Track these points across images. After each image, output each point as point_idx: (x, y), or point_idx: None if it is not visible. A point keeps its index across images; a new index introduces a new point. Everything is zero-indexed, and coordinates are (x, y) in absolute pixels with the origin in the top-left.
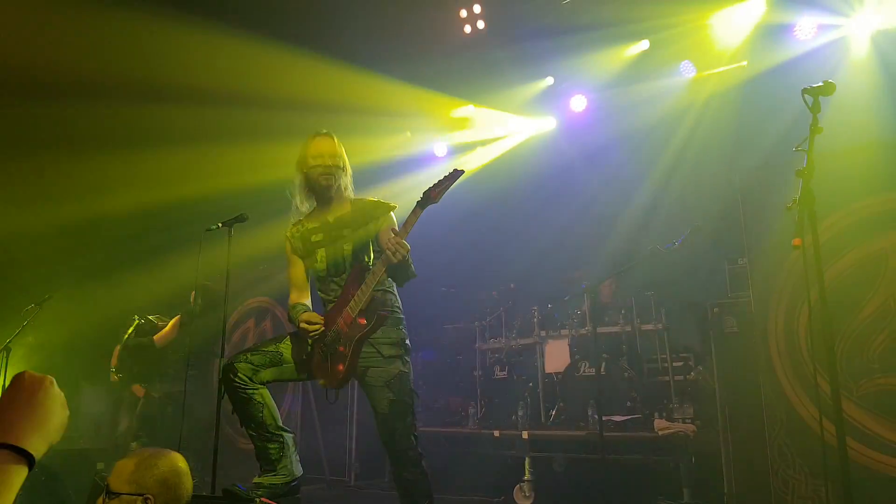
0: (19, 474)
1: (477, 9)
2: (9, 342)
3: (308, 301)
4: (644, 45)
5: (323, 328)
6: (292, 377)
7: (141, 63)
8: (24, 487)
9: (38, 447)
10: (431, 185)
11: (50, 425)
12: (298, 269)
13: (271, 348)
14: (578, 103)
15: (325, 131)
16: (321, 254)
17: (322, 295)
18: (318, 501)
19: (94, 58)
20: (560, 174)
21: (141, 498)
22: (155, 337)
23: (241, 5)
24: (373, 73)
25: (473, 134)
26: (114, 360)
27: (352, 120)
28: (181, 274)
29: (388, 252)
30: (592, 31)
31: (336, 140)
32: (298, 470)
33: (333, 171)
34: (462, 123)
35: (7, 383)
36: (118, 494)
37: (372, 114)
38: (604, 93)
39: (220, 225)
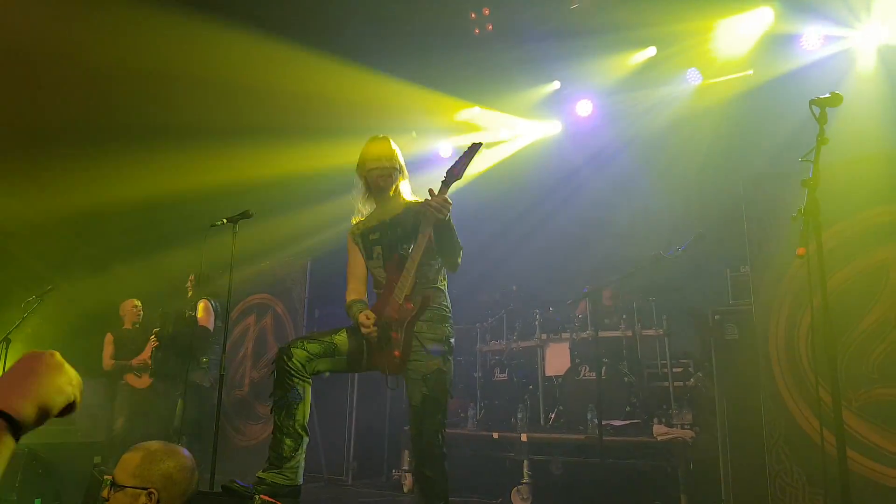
0: (7, 442)
1: (486, 11)
2: (8, 334)
3: (364, 295)
4: (651, 51)
5: (376, 330)
6: (344, 369)
7: (146, 54)
8: (20, 481)
9: (20, 408)
10: (454, 163)
11: (39, 389)
12: (358, 262)
13: (327, 339)
14: (584, 108)
15: (381, 135)
16: (378, 251)
17: (377, 291)
18: (315, 500)
19: (101, 48)
20: (564, 178)
21: (145, 492)
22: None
23: (250, 3)
24: (379, 73)
25: (479, 136)
26: (147, 355)
27: (357, 119)
28: (177, 266)
29: (431, 211)
30: (600, 37)
31: (391, 142)
32: (300, 479)
33: (390, 171)
34: (468, 125)
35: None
36: (123, 487)
37: (377, 113)
38: (610, 98)
39: (224, 221)
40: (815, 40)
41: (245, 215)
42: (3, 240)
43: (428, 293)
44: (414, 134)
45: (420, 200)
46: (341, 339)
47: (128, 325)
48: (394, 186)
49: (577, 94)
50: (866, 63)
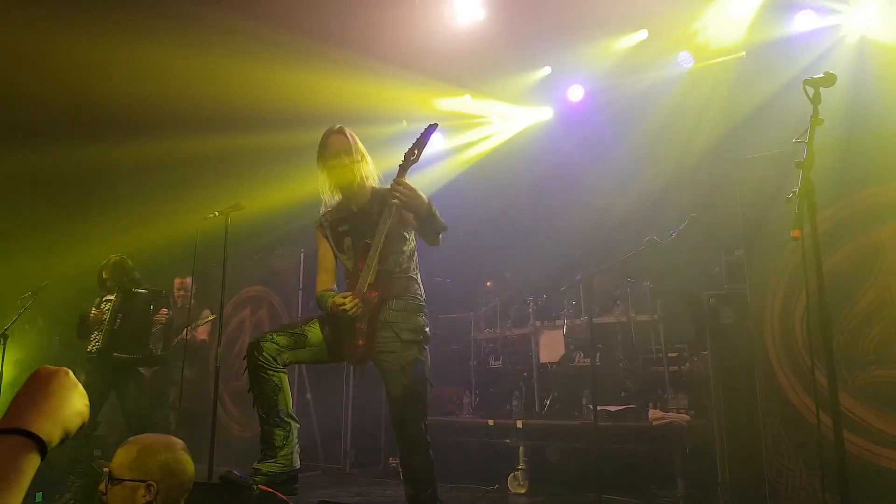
0: (33, 460)
1: None
2: (6, 329)
3: (333, 285)
4: (642, 34)
5: (359, 301)
6: (315, 359)
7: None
8: None
9: (50, 432)
10: (410, 147)
11: (63, 412)
12: (327, 253)
13: (297, 330)
14: (576, 93)
15: (337, 127)
16: (347, 243)
17: (347, 281)
18: (312, 488)
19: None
20: (557, 164)
21: (144, 484)
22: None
23: None
24: (368, 61)
25: (470, 124)
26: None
27: (347, 108)
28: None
29: (393, 200)
30: (590, 21)
31: (349, 134)
32: (297, 462)
33: (350, 166)
34: (459, 113)
35: (4, 370)
36: (121, 481)
37: (367, 102)
38: (601, 83)
39: (216, 213)
40: (807, 20)
41: (236, 207)
42: None
43: (391, 281)
44: (405, 122)
45: (385, 188)
46: (310, 329)
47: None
48: (358, 178)
49: (569, 80)
50: (859, 41)
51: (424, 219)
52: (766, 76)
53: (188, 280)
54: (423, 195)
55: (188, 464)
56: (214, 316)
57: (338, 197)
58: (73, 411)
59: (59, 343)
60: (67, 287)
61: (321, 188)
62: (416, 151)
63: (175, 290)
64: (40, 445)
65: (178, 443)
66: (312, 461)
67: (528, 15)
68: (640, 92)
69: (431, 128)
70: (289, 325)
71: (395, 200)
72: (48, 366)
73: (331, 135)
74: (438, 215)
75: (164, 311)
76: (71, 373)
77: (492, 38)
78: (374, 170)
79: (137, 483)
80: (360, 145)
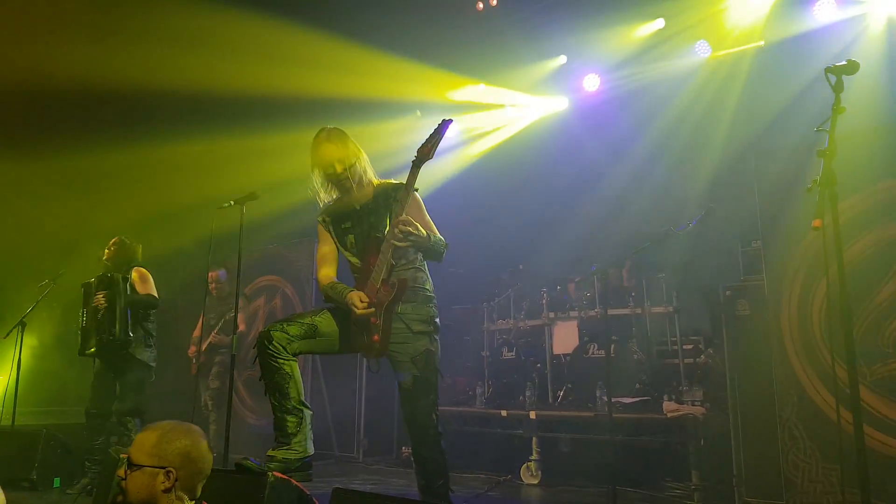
0: None
1: None
2: (24, 317)
3: (335, 278)
4: (659, 23)
5: (372, 311)
6: (326, 350)
7: None
8: (39, 461)
9: None
10: (423, 142)
11: None
12: (330, 247)
13: (307, 320)
14: (591, 83)
15: (328, 129)
16: (351, 240)
17: (355, 275)
18: (326, 477)
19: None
20: (572, 154)
21: (163, 471)
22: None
23: None
24: (382, 52)
25: (485, 114)
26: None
27: (361, 98)
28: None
29: (394, 240)
30: (606, 9)
31: (341, 137)
32: (311, 448)
33: (348, 172)
34: (473, 103)
35: (22, 357)
36: (140, 467)
37: (381, 92)
38: (617, 72)
39: (232, 203)
40: (827, 8)
41: (251, 196)
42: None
43: (406, 276)
44: (418, 113)
45: (390, 183)
46: (321, 320)
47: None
48: (355, 180)
49: (584, 69)
50: (880, 30)
51: (424, 250)
52: (785, 66)
53: (220, 272)
54: (423, 231)
55: (207, 451)
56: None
57: (336, 193)
58: None
59: (76, 331)
60: (84, 275)
61: (316, 187)
62: (430, 147)
63: (210, 283)
64: None
65: (197, 430)
66: (326, 449)
67: (543, 2)
68: (657, 81)
69: (446, 123)
70: (300, 314)
71: (397, 242)
72: None
73: (321, 143)
74: (437, 241)
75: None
76: None
77: (507, 26)
78: (369, 167)
79: (157, 469)
80: (352, 147)
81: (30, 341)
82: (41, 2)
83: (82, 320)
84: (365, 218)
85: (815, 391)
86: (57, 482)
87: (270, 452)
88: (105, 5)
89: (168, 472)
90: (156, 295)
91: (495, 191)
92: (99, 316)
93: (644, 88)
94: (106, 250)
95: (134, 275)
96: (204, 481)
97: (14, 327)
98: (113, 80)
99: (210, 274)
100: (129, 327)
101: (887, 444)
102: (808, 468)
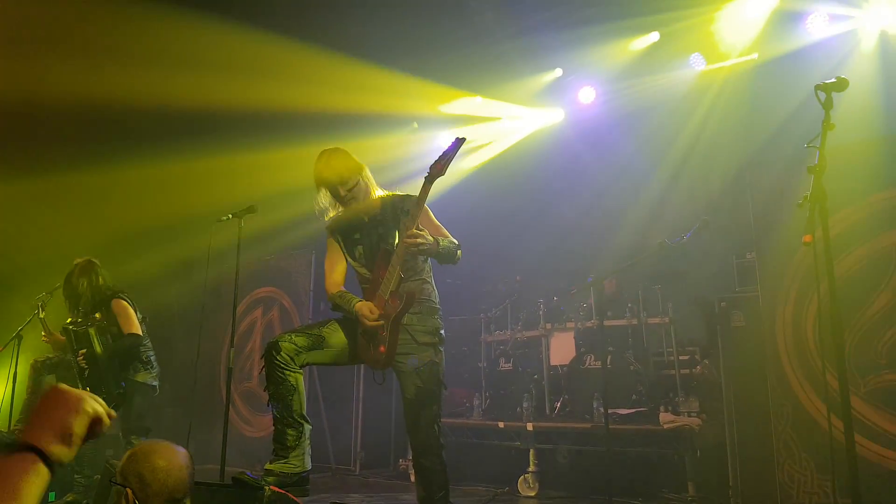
0: (41, 475)
1: None
2: (20, 330)
3: (343, 288)
4: (654, 37)
5: (381, 323)
6: (333, 361)
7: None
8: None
9: (57, 448)
10: (436, 159)
11: (69, 422)
12: (339, 257)
13: (315, 331)
14: (587, 95)
15: (329, 150)
16: (360, 251)
17: (363, 286)
18: (323, 490)
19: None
20: (568, 167)
21: (124, 490)
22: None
23: None
24: (378, 65)
25: (481, 126)
26: None
27: (358, 111)
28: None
29: (405, 248)
30: (602, 23)
31: (342, 158)
32: (308, 463)
33: (352, 192)
34: (470, 116)
35: (17, 371)
36: (114, 483)
37: (378, 105)
38: (613, 85)
39: (230, 216)
40: (820, 23)
41: (250, 210)
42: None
43: (413, 288)
44: (415, 125)
45: (397, 194)
46: (329, 331)
47: None
48: (361, 195)
49: (580, 82)
50: (871, 45)
51: (435, 256)
52: (780, 79)
53: None
54: (430, 238)
55: (164, 473)
56: None
57: (341, 209)
58: (81, 420)
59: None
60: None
61: (324, 205)
62: (442, 165)
63: None
64: (47, 460)
65: (163, 453)
66: (323, 462)
67: (538, 16)
68: (652, 94)
69: (458, 141)
70: (307, 326)
71: (408, 249)
72: (63, 386)
73: (323, 167)
74: (446, 245)
75: (80, 355)
76: (85, 395)
77: (503, 40)
78: (372, 180)
79: (120, 487)
80: (354, 166)
81: (26, 354)
82: (27, 18)
83: (74, 365)
84: (374, 229)
85: (809, 402)
86: (52, 496)
87: (268, 466)
88: (94, 21)
89: (125, 491)
90: (137, 331)
91: (492, 202)
92: (86, 375)
93: (639, 101)
94: (82, 278)
95: (114, 308)
96: (175, 500)
97: (10, 340)
98: (104, 97)
99: None
100: (120, 378)
101: (881, 454)
102: (802, 479)
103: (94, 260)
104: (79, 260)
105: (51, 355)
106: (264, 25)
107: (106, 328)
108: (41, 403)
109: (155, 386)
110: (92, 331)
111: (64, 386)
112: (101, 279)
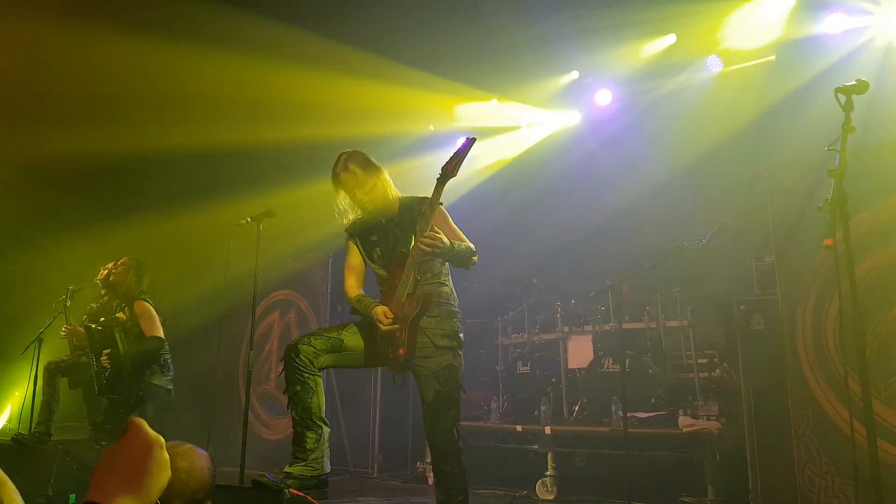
0: None
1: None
2: (41, 333)
3: (362, 290)
4: (671, 39)
5: (397, 327)
6: (351, 364)
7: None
8: (55, 476)
9: None
10: (448, 160)
11: (150, 492)
12: (358, 260)
13: (334, 334)
14: (603, 97)
15: (346, 154)
16: (378, 252)
17: (381, 288)
18: (340, 493)
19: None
20: (584, 169)
21: None
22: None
23: None
24: (395, 64)
25: (497, 128)
26: None
27: (374, 112)
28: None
29: (419, 249)
30: (618, 25)
31: (361, 163)
32: (328, 466)
33: (371, 195)
34: (486, 117)
35: (39, 374)
36: None
37: (394, 106)
38: (629, 87)
39: (249, 220)
40: (838, 23)
41: (269, 214)
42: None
43: (430, 291)
44: (431, 127)
45: (415, 197)
46: (347, 334)
47: None
48: (379, 202)
49: (596, 84)
50: (891, 46)
51: (449, 258)
52: (798, 81)
53: None
54: (446, 241)
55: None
56: None
57: (360, 213)
58: (156, 487)
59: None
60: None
61: (343, 208)
62: (454, 165)
63: None
64: None
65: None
66: (340, 465)
67: (555, 18)
68: (669, 96)
69: (469, 141)
70: (326, 329)
71: (432, 251)
72: (146, 432)
73: (339, 173)
74: (462, 248)
75: (104, 356)
76: (163, 445)
77: (519, 42)
78: (390, 183)
79: None
80: (372, 169)
81: (47, 358)
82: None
83: (93, 364)
84: (391, 231)
85: (830, 406)
86: (73, 498)
87: (287, 469)
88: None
89: None
90: (160, 334)
91: (508, 205)
92: (105, 375)
93: (656, 103)
94: (112, 270)
95: (137, 309)
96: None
97: (31, 343)
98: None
99: None
100: (140, 383)
101: None
102: (823, 483)
103: (144, 262)
104: (133, 257)
105: (64, 357)
106: (292, 21)
107: (130, 329)
108: (126, 457)
109: (170, 389)
110: (118, 331)
111: (160, 451)
112: (143, 282)
